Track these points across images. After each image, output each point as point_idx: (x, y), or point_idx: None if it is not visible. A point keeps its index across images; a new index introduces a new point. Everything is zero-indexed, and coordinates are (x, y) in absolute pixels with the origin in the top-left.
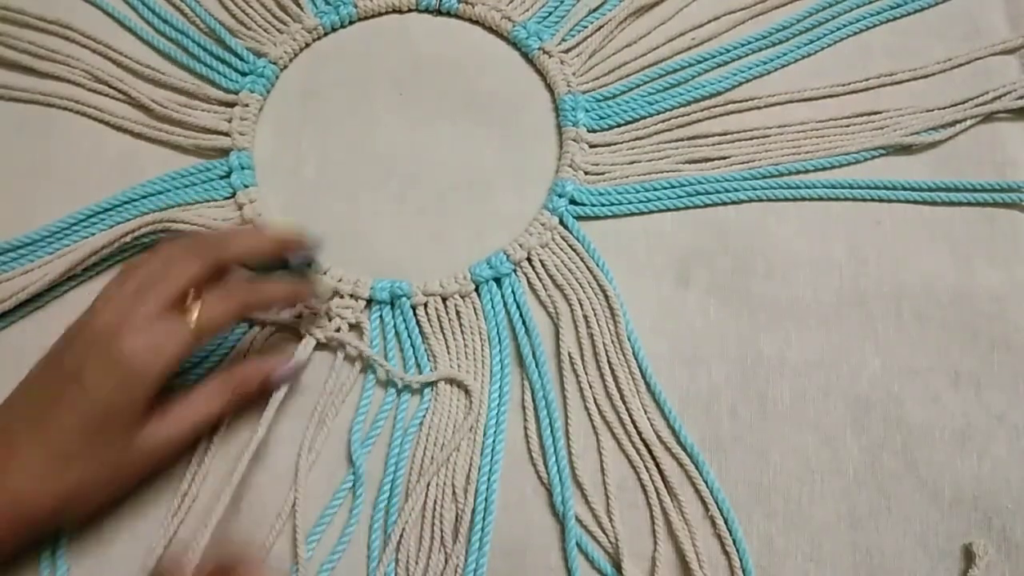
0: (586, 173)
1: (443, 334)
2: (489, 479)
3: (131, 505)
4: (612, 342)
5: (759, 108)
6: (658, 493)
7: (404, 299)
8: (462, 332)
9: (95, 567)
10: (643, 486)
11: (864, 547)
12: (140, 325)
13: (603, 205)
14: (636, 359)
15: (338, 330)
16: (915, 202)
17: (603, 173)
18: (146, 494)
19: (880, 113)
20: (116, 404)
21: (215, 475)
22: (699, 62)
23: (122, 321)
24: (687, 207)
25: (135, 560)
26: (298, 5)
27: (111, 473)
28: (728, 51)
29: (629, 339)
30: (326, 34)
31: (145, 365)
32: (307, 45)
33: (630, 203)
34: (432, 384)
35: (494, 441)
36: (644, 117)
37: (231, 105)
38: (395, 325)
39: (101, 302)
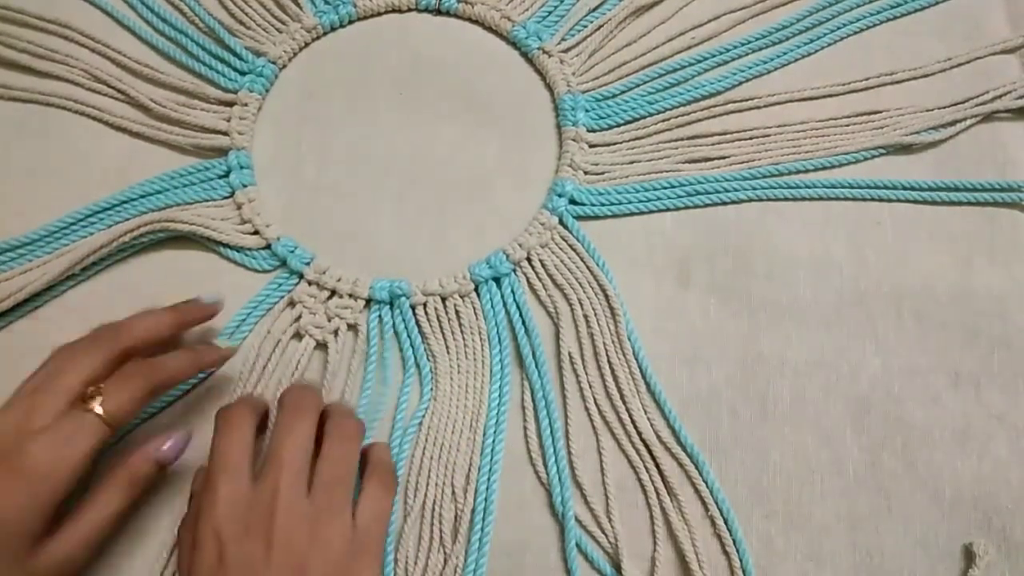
0: (586, 173)
1: (443, 334)
2: (489, 479)
3: (136, 515)
4: (612, 342)
5: (759, 108)
6: (658, 493)
7: (403, 299)
8: (462, 332)
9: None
10: (643, 486)
11: (864, 547)
12: (40, 428)
13: (603, 205)
14: (636, 359)
15: (337, 330)
16: (915, 202)
17: (603, 173)
18: (157, 507)
19: (880, 113)
20: (14, 524)
21: None
22: (699, 62)
23: (21, 427)
24: (687, 207)
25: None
26: (297, 5)
27: None
28: (728, 51)
29: (629, 339)
30: (325, 34)
31: (52, 469)
32: (306, 44)
33: (630, 203)
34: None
35: (494, 441)
36: (644, 117)
37: (230, 104)
38: (394, 325)
39: None
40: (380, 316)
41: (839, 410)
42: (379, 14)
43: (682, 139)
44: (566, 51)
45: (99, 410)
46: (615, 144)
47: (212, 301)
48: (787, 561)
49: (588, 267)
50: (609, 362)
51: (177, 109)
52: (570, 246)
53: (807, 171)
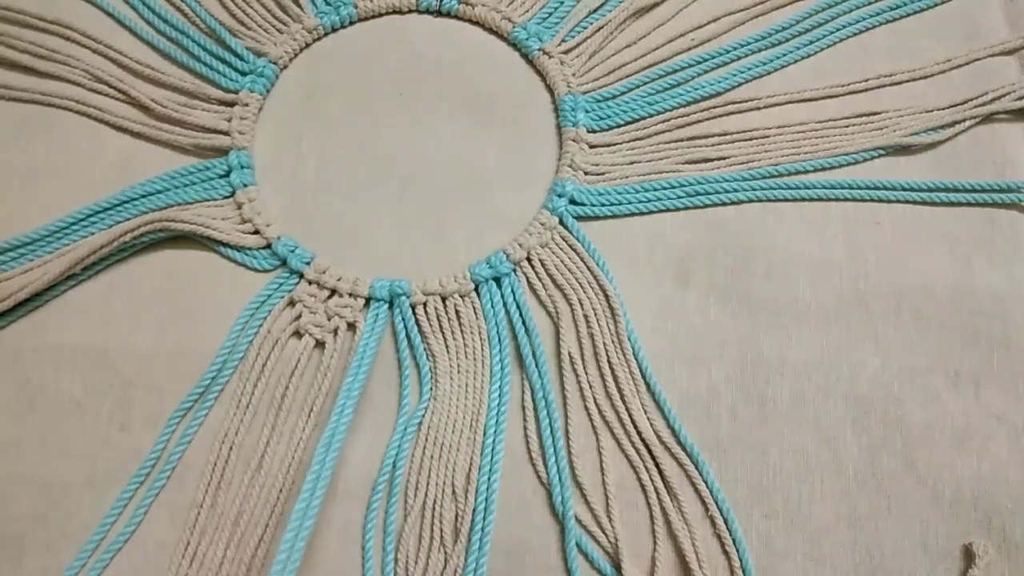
0: (586, 173)
1: (442, 334)
2: (489, 479)
3: (133, 514)
4: (612, 342)
5: (759, 109)
6: (658, 493)
7: (403, 298)
8: (462, 332)
9: None
10: (643, 486)
11: (864, 547)
12: None
13: (603, 205)
14: (636, 359)
15: (336, 330)
16: (915, 202)
17: (603, 173)
18: (155, 506)
19: (880, 113)
20: None
21: (226, 485)
22: (699, 63)
23: None
24: (687, 207)
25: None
26: (298, 5)
27: None
28: (728, 52)
29: (629, 339)
30: (326, 34)
31: None
32: (307, 45)
33: (630, 203)
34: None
35: (494, 441)
36: (644, 118)
37: (231, 105)
38: (394, 324)
39: None
40: (379, 315)
41: (839, 410)
42: (380, 15)
43: (682, 140)
44: (566, 52)
45: None
46: (615, 145)
47: None
48: (787, 561)
49: (588, 267)
50: (609, 362)
51: (178, 109)
52: (570, 246)
53: (807, 172)
